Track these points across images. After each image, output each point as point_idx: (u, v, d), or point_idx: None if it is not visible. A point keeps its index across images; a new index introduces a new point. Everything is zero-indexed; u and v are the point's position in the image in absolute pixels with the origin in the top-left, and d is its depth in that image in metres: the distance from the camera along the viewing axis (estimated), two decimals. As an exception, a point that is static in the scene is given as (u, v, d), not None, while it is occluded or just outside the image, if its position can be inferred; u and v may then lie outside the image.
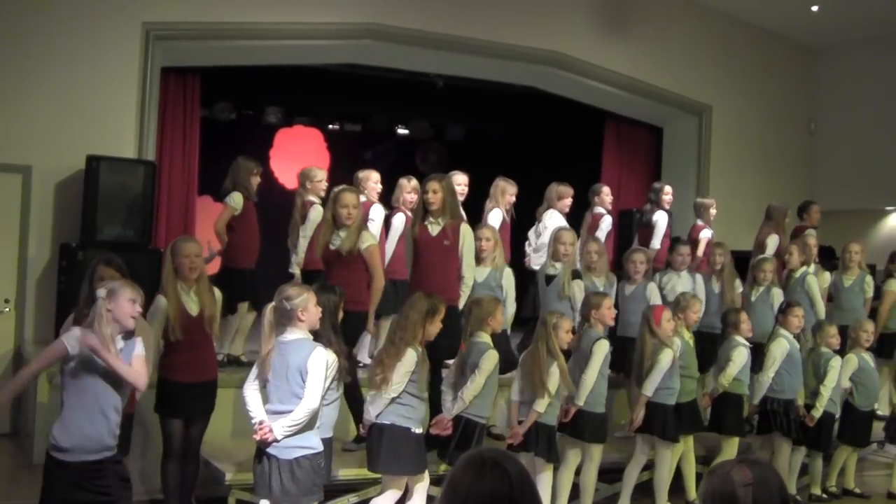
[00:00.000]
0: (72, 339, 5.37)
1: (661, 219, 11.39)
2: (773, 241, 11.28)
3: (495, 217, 10.02)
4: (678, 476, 8.67)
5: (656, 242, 11.25)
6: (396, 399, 6.77)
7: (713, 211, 11.70)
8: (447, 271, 8.02)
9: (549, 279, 9.16)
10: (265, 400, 6.02)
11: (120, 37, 10.87)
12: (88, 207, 10.01)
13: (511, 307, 8.88)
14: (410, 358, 6.78)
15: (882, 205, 14.95)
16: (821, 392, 9.04)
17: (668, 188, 11.63)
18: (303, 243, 9.34)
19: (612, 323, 8.46)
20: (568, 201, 10.84)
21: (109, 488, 5.44)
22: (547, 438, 7.63)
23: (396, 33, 12.27)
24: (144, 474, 7.83)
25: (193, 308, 6.91)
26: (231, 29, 11.52)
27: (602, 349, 8.01)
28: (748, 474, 2.98)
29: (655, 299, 9.39)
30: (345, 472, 7.55)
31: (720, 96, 14.83)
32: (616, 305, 9.10)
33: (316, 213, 9.30)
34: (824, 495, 9.38)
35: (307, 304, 5.97)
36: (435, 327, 6.95)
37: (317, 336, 6.16)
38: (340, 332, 6.79)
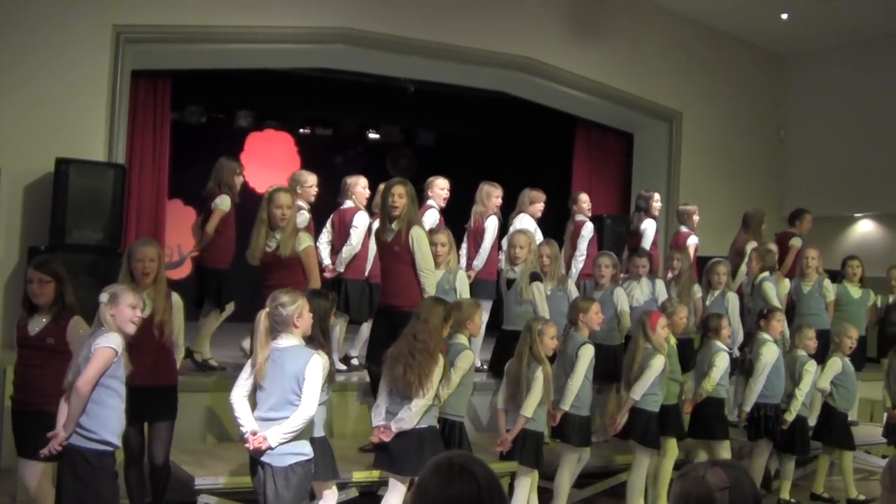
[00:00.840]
0: (114, 342, 5.59)
1: (649, 226, 11.48)
2: (751, 248, 11.36)
3: (492, 224, 10.10)
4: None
5: (645, 248, 11.30)
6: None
7: (696, 217, 11.78)
8: (402, 276, 8.00)
9: (509, 283, 9.12)
10: (253, 406, 5.96)
11: (90, 40, 10.81)
12: (57, 210, 9.95)
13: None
14: (441, 363, 6.92)
15: (850, 211, 15.08)
16: (796, 395, 9.11)
17: (657, 195, 11.70)
18: None
19: (598, 328, 8.48)
20: (540, 206, 10.87)
21: None
22: (534, 445, 7.71)
23: (367, 38, 12.26)
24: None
25: (146, 311, 6.69)
26: (202, 32, 11.49)
27: (587, 354, 8.07)
28: (724, 477, 2.96)
29: (623, 304, 9.42)
30: (358, 475, 7.52)
31: (690, 103, 14.90)
32: None
33: (301, 218, 9.28)
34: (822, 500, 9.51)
35: (302, 311, 5.95)
36: (447, 331, 7.13)
37: (308, 340, 6.14)
38: (329, 336, 6.79)
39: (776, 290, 10.48)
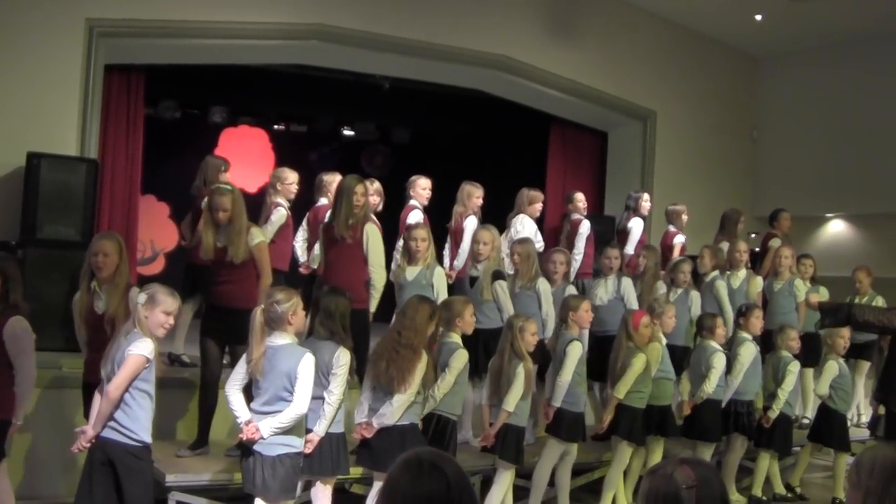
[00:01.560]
0: (147, 349, 5.71)
1: (636, 225, 11.62)
2: (725, 249, 11.43)
3: (471, 224, 10.09)
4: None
5: (630, 248, 11.42)
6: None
7: (685, 217, 11.87)
8: (350, 271, 8.04)
9: (473, 281, 9.06)
10: (248, 398, 6.19)
11: (63, 33, 10.72)
12: (29, 205, 9.86)
13: None
14: (425, 360, 6.97)
15: (822, 211, 15.17)
16: (778, 395, 9.21)
17: (646, 195, 11.85)
18: None
19: (588, 325, 8.60)
20: (538, 206, 10.96)
21: None
22: (515, 440, 7.78)
23: (343, 34, 12.23)
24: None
25: (100, 306, 6.74)
26: (176, 27, 11.42)
27: (576, 350, 8.17)
28: (692, 475, 2.98)
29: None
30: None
31: (665, 102, 14.94)
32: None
33: (278, 215, 9.27)
34: (789, 494, 9.57)
35: (296, 308, 6.18)
36: (432, 329, 7.14)
37: (330, 335, 6.54)
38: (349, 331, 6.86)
39: (728, 288, 10.59)
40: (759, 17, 14.30)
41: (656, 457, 8.72)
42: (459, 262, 10.11)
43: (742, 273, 10.77)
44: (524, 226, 10.68)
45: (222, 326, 7.61)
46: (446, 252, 10.34)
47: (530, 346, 7.83)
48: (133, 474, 5.77)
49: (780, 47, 15.51)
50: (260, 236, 7.91)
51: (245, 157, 16.32)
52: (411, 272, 8.55)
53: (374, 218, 8.80)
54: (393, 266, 8.89)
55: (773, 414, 9.20)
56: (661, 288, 10.14)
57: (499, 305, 8.84)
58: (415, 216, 9.86)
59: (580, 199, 11.69)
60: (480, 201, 10.36)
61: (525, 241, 9.58)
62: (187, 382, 8.56)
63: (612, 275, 9.92)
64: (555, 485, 8.33)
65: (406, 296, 8.26)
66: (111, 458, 5.75)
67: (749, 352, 9.11)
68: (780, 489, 9.53)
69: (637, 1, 14.40)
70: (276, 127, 16.99)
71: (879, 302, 11.00)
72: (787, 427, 9.41)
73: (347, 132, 17.34)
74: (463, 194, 10.35)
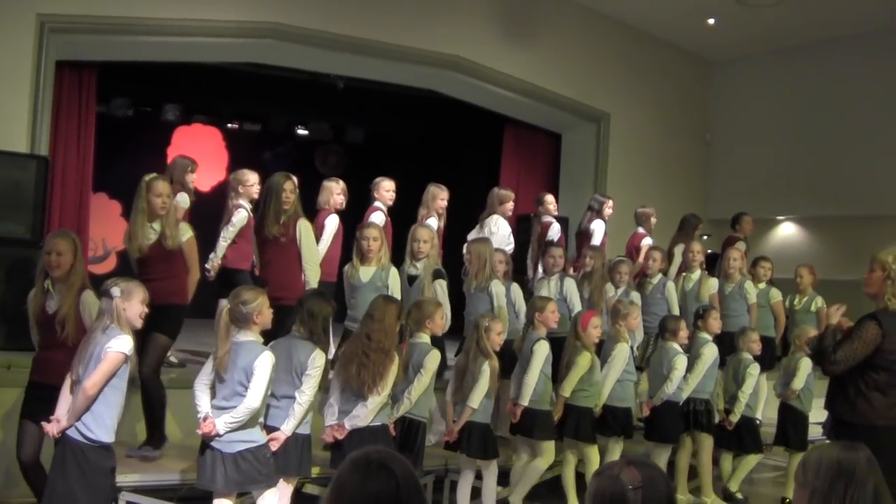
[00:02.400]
0: (126, 346, 5.78)
1: (598, 227, 11.58)
2: (679, 251, 11.50)
3: (431, 224, 10.07)
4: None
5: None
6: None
7: (654, 220, 11.93)
8: (285, 268, 8.02)
9: (412, 280, 9.00)
10: (212, 395, 6.26)
11: (13, 29, 10.62)
12: (-23, 202, 9.78)
13: None
14: (397, 362, 7.01)
15: (773, 214, 15.32)
16: (738, 398, 9.27)
17: (610, 202, 11.79)
18: (222, 244, 9.21)
19: (555, 326, 8.54)
20: (510, 205, 10.97)
21: None
22: (481, 437, 7.82)
23: (298, 33, 12.19)
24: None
25: (52, 306, 6.63)
26: (129, 24, 11.33)
27: (542, 350, 8.19)
28: (638, 476, 3.00)
29: (519, 301, 9.37)
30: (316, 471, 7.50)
31: (618, 104, 15.02)
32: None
33: (239, 217, 9.19)
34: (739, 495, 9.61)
35: (262, 308, 6.26)
36: (398, 328, 7.20)
37: (309, 336, 6.61)
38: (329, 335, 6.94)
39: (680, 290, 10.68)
40: (711, 22, 14.43)
41: (613, 457, 8.74)
42: None
43: (696, 275, 10.83)
44: (498, 226, 10.70)
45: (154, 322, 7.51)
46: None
47: (496, 345, 7.85)
48: (92, 472, 5.80)
49: (733, 51, 15.67)
50: (190, 231, 7.84)
51: (198, 156, 16.11)
52: (365, 273, 8.46)
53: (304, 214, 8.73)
54: (346, 266, 8.84)
55: (735, 417, 9.28)
56: (611, 290, 10.18)
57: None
58: (378, 217, 9.83)
59: (550, 200, 11.72)
60: (444, 203, 10.34)
61: (479, 241, 9.55)
62: (174, 382, 8.47)
63: (555, 275, 9.95)
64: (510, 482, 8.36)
65: (360, 297, 8.23)
66: (72, 455, 5.78)
67: (711, 352, 9.17)
68: (734, 488, 9.57)
69: (592, 4, 14.48)
70: (229, 126, 16.91)
71: (819, 303, 11.08)
72: (753, 427, 9.48)
73: (301, 131, 17.30)
74: (428, 196, 10.33)
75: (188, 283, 7.71)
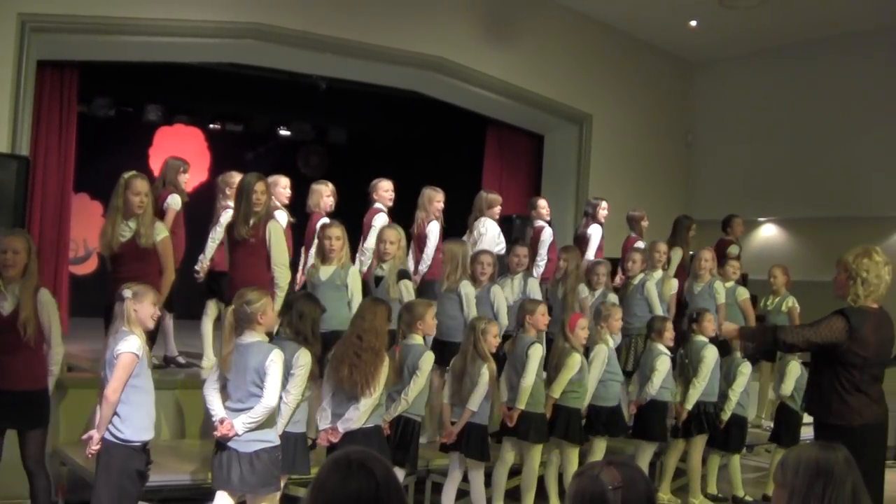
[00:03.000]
0: (134, 346, 5.86)
1: (594, 232, 11.62)
2: (676, 255, 11.54)
3: (434, 229, 10.10)
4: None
5: (590, 254, 11.47)
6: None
7: (645, 223, 11.96)
8: (254, 270, 7.93)
9: (378, 280, 8.91)
10: (225, 398, 6.27)
11: (-6, 28, 10.61)
12: (-43, 202, 9.74)
13: (356, 306, 8.38)
14: (387, 363, 7.04)
15: (754, 215, 15.36)
16: (729, 396, 9.32)
17: (604, 203, 11.80)
18: (210, 246, 9.20)
19: (545, 328, 8.57)
20: (498, 209, 10.96)
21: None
22: (479, 438, 7.88)
23: (280, 34, 12.19)
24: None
25: (6, 307, 6.51)
26: (111, 24, 11.31)
27: (537, 353, 8.20)
28: (617, 476, 3.01)
29: (499, 302, 9.29)
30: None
31: (601, 106, 15.06)
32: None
33: (226, 217, 9.20)
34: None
35: (266, 308, 6.27)
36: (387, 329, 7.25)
37: (295, 335, 6.62)
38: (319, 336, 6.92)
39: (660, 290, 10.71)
40: (693, 23, 14.48)
41: (596, 456, 8.78)
42: (424, 266, 10.02)
43: (657, 274, 10.81)
44: (487, 228, 10.71)
45: None
46: (410, 257, 10.23)
47: (492, 347, 7.91)
48: (118, 472, 5.92)
49: (715, 53, 15.72)
50: (165, 231, 7.85)
51: (181, 156, 16.15)
52: (325, 272, 8.40)
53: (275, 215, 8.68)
54: (309, 266, 8.81)
55: (726, 415, 9.34)
56: (584, 291, 10.18)
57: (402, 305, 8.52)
58: (380, 219, 9.89)
59: (543, 205, 11.69)
60: (441, 205, 10.33)
61: (453, 242, 9.46)
62: (182, 383, 8.52)
63: (518, 274, 9.92)
64: (491, 484, 8.35)
65: (319, 295, 8.17)
66: (101, 453, 5.92)
67: (713, 354, 9.20)
68: (713, 489, 9.62)
69: (574, 5, 14.51)
70: (211, 126, 16.88)
71: (790, 302, 11.16)
72: (742, 427, 9.54)
73: (283, 132, 17.30)
74: (424, 199, 10.32)
75: (161, 284, 7.62)
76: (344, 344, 7.13)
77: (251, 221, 7.98)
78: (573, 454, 8.54)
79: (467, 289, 9.06)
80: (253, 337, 6.22)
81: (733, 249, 12.21)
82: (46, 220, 12.09)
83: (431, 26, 13.25)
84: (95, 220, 15.65)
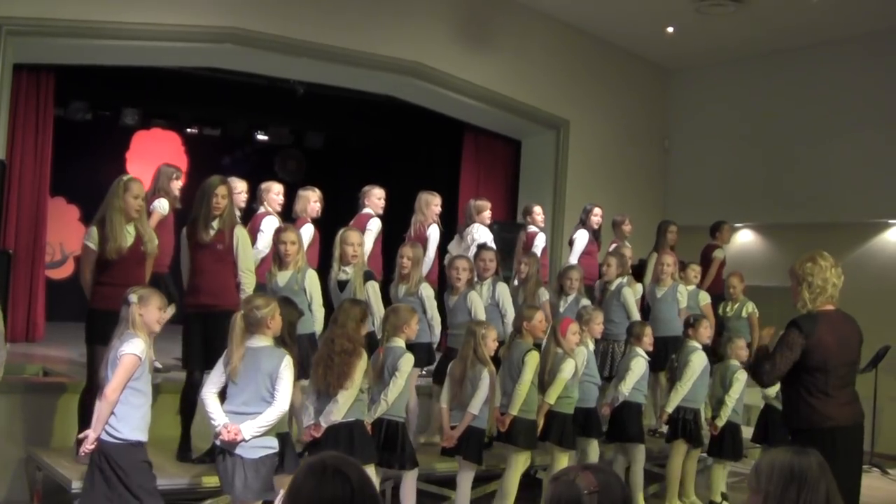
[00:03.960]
0: (138, 348, 5.92)
1: (579, 237, 11.77)
2: (651, 260, 11.62)
3: (435, 233, 10.25)
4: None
5: (572, 259, 11.64)
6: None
7: (626, 227, 12.12)
8: (220, 276, 7.81)
9: (342, 285, 8.83)
10: (222, 401, 6.36)
11: (-30, 31, 10.55)
12: (-67, 206, 9.70)
13: (318, 311, 8.43)
14: (364, 358, 7.16)
15: (731, 221, 15.36)
16: (725, 402, 9.40)
17: (597, 209, 11.94)
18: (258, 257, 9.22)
19: (542, 335, 8.64)
20: (488, 213, 11.13)
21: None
22: (477, 441, 8.00)
23: (257, 38, 12.16)
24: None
25: None
26: (88, 28, 11.26)
27: (534, 360, 8.26)
28: (593, 481, 3.03)
29: (477, 308, 9.23)
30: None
31: (578, 112, 15.08)
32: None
33: (268, 223, 9.21)
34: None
35: (274, 313, 6.40)
36: (365, 330, 7.33)
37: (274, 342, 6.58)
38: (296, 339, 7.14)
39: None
40: (670, 30, 14.52)
41: (591, 458, 8.92)
42: (424, 270, 9.98)
43: (684, 288, 10.97)
44: (480, 234, 10.85)
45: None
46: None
47: (492, 351, 8.01)
48: (128, 469, 5.94)
49: (691, 60, 15.78)
50: (156, 238, 7.83)
51: (157, 161, 16.08)
52: (282, 277, 8.35)
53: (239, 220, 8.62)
54: (267, 272, 8.75)
55: (721, 422, 9.40)
56: (544, 295, 10.18)
57: (371, 308, 8.37)
58: (374, 224, 10.13)
59: (538, 211, 11.83)
60: (439, 209, 10.42)
61: (412, 246, 9.39)
62: (158, 388, 8.41)
63: (487, 280, 9.77)
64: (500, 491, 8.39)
65: None
66: (107, 458, 5.92)
67: (700, 360, 9.28)
68: (717, 497, 9.66)
69: (551, 11, 14.53)
70: (188, 130, 16.83)
71: (749, 308, 11.33)
72: (737, 434, 9.60)
73: (261, 136, 17.27)
74: (421, 203, 10.40)
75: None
76: (322, 347, 7.28)
77: (214, 225, 7.80)
78: (564, 460, 8.58)
79: (427, 291, 9.10)
80: (262, 341, 6.34)
81: (719, 253, 12.44)
82: (22, 224, 12.03)
83: (409, 31, 13.25)
84: (72, 224, 15.62)
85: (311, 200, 9.87)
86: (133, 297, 6.00)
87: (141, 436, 6.01)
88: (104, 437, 5.90)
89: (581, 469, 3.12)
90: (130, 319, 5.97)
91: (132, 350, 5.89)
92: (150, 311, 6.02)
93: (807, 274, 6.21)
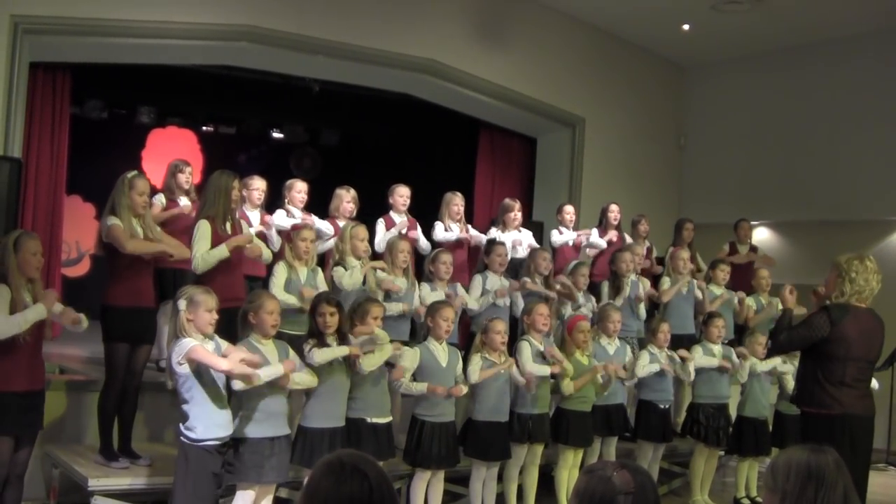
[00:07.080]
0: (184, 350, 5.99)
1: (554, 236, 11.77)
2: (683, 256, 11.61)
3: (440, 231, 10.27)
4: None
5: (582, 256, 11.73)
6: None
7: (641, 227, 12.13)
8: (232, 271, 7.74)
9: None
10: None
11: (-14, 30, 10.58)
12: (-50, 204, 9.72)
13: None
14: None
15: (747, 218, 15.35)
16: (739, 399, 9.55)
17: (614, 206, 11.97)
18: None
19: (545, 328, 8.55)
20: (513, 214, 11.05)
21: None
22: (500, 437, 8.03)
23: (273, 36, 12.16)
24: None
25: None
26: (104, 26, 11.27)
27: (524, 350, 8.29)
28: (630, 481, 2.97)
29: (466, 297, 9.29)
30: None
31: (593, 109, 15.05)
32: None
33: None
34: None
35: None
36: (367, 327, 7.29)
37: None
38: None
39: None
40: (686, 27, 14.50)
41: (609, 456, 8.96)
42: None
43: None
44: (523, 235, 11.02)
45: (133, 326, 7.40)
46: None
47: (497, 344, 7.95)
48: (179, 471, 6.18)
49: (707, 57, 15.73)
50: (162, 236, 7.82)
51: (173, 159, 16.13)
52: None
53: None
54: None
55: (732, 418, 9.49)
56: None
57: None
58: (400, 221, 10.09)
59: (569, 210, 11.81)
60: (457, 208, 10.43)
61: (397, 239, 9.31)
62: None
63: (501, 270, 9.78)
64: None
65: None
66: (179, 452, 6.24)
67: (698, 355, 9.30)
68: (740, 493, 9.64)
69: (566, 8, 14.50)
70: (204, 128, 16.88)
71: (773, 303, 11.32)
72: (761, 430, 9.57)
73: (276, 134, 17.31)
74: (442, 203, 10.49)
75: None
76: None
77: (230, 220, 7.81)
78: (570, 457, 8.59)
79: (423, 290, 9.09)
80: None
81: (743, 249, 12.73)
82: (39, 223, 12.04)
83: (424, 29, 13.23)
84: (88, 222, 15.65)
85: (344, 200, 9.83)
86: (181, 304, 6.06)
87: (219, 432, 6.20)
88: (182, 439, 6.16)
89: (619, 467, 3.04)
90: (179, 325, 6.03)
91: (189, 344, 5.98)
92: (199, 315, 6.09)
93: (851, 270, 6.43)
